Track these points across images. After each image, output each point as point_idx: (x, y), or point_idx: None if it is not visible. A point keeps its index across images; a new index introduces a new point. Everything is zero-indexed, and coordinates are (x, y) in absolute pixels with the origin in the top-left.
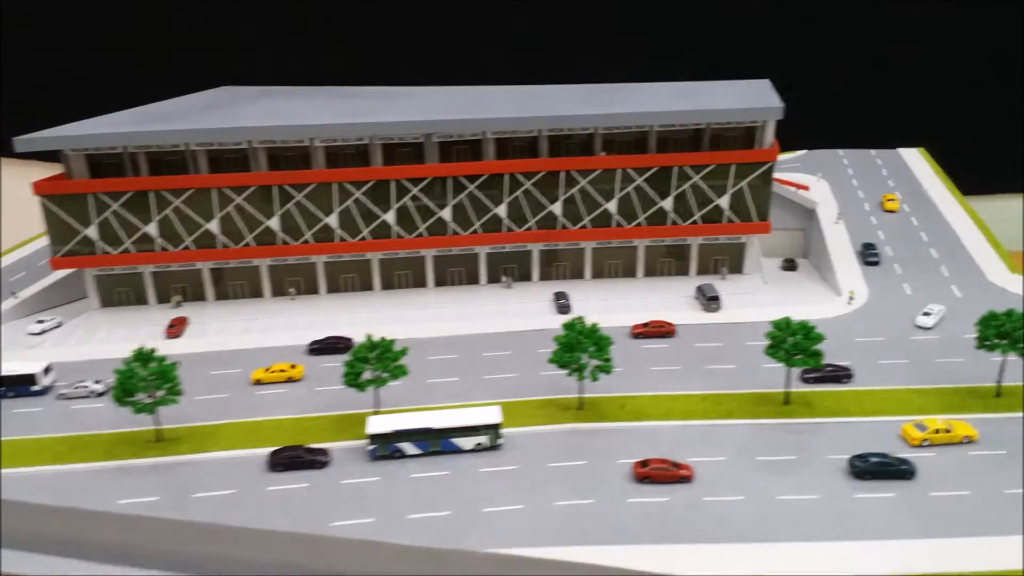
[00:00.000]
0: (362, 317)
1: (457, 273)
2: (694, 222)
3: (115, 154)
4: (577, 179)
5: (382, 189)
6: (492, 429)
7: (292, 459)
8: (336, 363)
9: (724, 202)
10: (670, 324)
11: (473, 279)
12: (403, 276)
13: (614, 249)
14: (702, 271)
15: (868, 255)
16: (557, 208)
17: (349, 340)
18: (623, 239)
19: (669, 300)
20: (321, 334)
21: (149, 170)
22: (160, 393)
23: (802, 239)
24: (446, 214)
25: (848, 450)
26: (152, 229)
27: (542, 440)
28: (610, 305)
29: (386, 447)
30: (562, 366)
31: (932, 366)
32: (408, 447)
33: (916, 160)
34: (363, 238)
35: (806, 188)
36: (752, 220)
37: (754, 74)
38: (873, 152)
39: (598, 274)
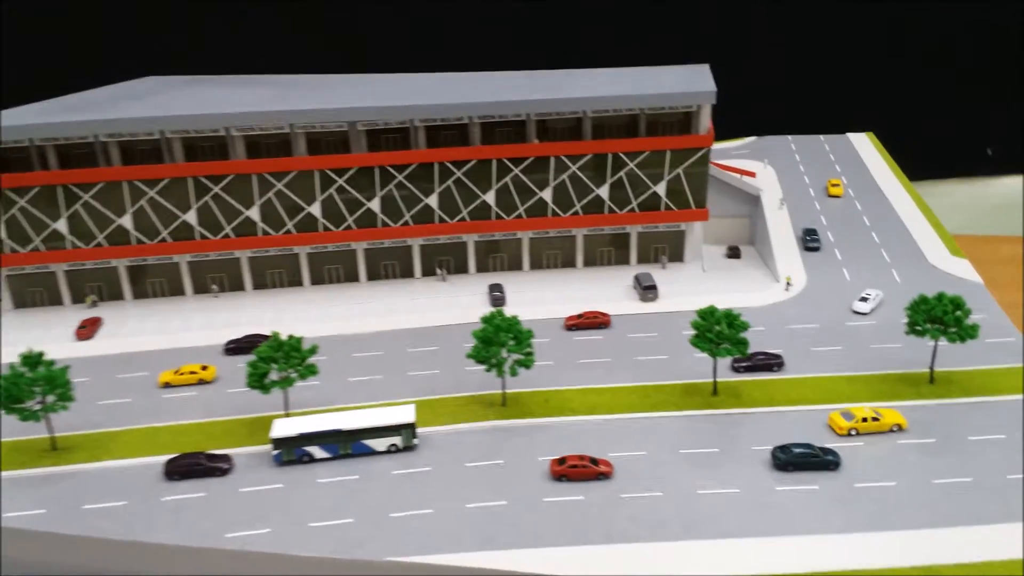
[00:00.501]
0: (288, 314)
1: (390, 266)
2: (631, 210)
3: (21, 147)
4: (510, 167)
5: (306, 180)
6: (406, 429)
7: (190, 467)
8: None
9: (661, 189)
10: (605, 315)
11: (407, 272)
12: (333, 270)
13: (552, 239)
14: (642, 260)
15: (809, 241)
16: (491, 197)
17: (269, 338)
18: (559, 228)
19: (608, 290)
20: (240, 332)
21: (59, 164)
22: (49, 399)
23: (747, 226)
24: (375, 205)
25: (773, 441)
26: (62, 226)
27: (461, 439)
28: (547, 296)
29: (292, 452)
30: (480, 362)
31: (866, 352)
32: (316, 451)
33: (864, 145)
34: (288, 231)
35: (752, 175)
36: (690, 207)
37: (701, 60)
38: (822, 138)
39: (536, 265)
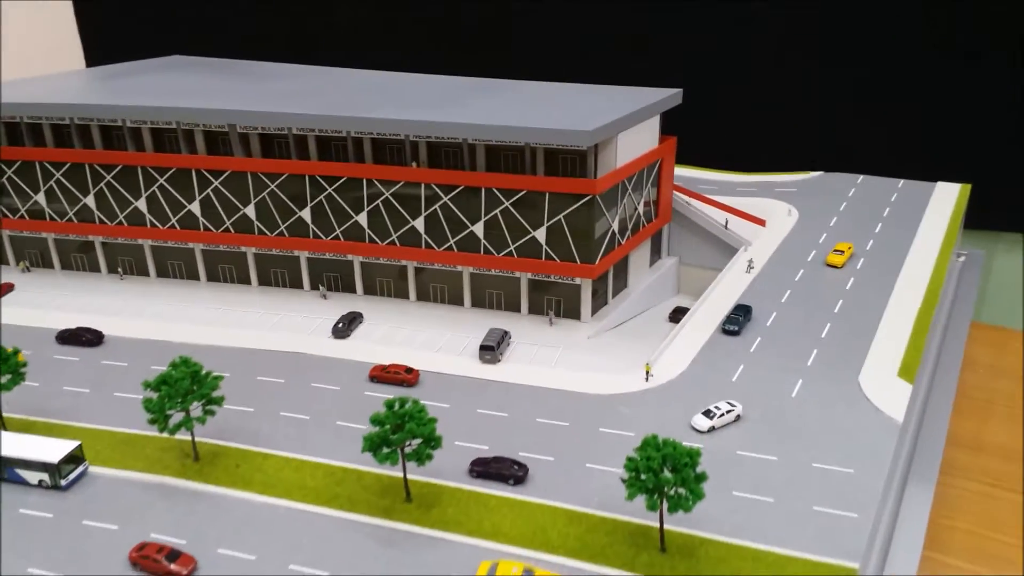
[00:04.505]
0: (152, 308)
1: (280, 274)
2: (508, 254)
3: None
4: (381, 190)
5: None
6: (52, 468)
7: None
8: None
9: (540, 236)
10: (413, 372)
11: (296, 283)
12: (227, 269)
13: (437, 272)
14: (535, 310)
15: (730, 321)
16: (363, 219)
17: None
18: (434, 262)
19: (467, 339)
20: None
21: None
22: None
23: None
24: (250, 212)
25: None
26: None
27: (117, 490)
28: (398, 335)
29: None
30: (148, 411)
31: None
32: None
33: (944, 199)
34: (173, 226)
35: (761, 223)
36: (574, 260)
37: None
38: (901, 183)
39: (424, 296)
